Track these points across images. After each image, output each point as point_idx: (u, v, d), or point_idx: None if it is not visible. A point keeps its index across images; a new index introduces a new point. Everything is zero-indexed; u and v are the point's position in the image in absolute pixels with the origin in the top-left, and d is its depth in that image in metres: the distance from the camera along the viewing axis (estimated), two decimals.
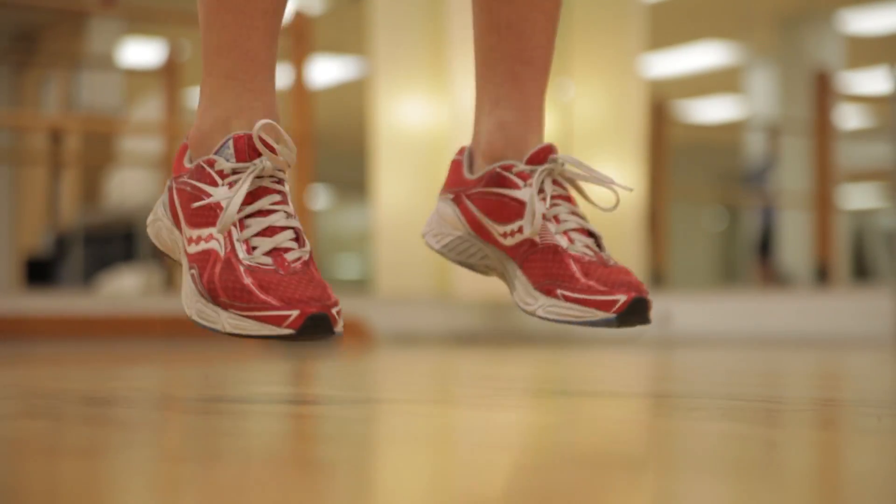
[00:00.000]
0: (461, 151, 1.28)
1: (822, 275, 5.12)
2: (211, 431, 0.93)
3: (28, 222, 7.17)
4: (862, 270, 8.09)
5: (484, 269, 1.27)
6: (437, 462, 0.75)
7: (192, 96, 5.82)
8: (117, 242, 5.70)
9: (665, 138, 5.52)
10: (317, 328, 1.07)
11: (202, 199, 1.14)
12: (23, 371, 2.03)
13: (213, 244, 1.13)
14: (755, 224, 7.48)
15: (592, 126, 5.49)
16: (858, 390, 1.50)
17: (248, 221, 1.12)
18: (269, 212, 1.12)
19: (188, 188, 1.16)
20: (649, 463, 0.75)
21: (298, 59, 4.02)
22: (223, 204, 1.12)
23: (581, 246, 1.20)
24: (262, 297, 1.08)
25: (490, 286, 4.87)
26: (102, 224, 5.84)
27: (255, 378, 1.71)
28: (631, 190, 1.22)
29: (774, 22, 7.83)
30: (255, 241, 1.11)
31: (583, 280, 1.17)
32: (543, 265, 1.19)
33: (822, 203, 5.20)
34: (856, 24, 7.85)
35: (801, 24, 7.61)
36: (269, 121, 1.14)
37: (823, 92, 5.29)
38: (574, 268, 1.18)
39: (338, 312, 1.08)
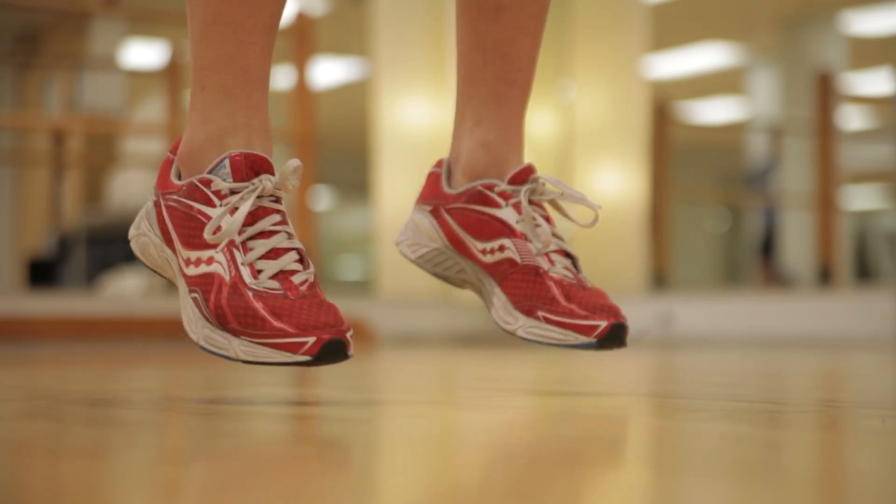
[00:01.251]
0: (439, 164, 1.30)
1: (825, 276, 5.12)
2: (213, 433, 0.94)
3: (30, 223, 7.17)
4: (864, 271, 8.09)
5: (460, 283, 1.29)
6: (439, 463, 0.75)
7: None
8: (120, 244, 5.69)
9: (667, 139, 5.52)
10: (333, 354, 1.06)
11: (199, 219, 1.11)
12: (25, 372, 2.03)
13: (215, 267, 1.10)
14: (757, 225, 7.48)
15: (595, 127, 5.49)
16: (861, 392, 1.50)
17: (251, 244, 1.10)
18: (271, 233, 1.10)
19: (181, 207, 1.13)
20: (651, 464, 0.75)
21: (301, 60, 4.02)
22: (223, 225, 1.10)
23: (561, 268, 1.21)
24: (277, 324, 1.06)
25: None
26: (105, 225, 5.85)
27: (257, 379, 1.71)
28: (599, 207, 1.23)
29: (777, 23, 7.82)
30: (260, 265, 1.09)
31: (564, 303, 1.19)
32: (524, 285, 1.21)
33: (825, 204, 5.20)
34: (858, 26, 7.85)
35: (804, 25, 7.60)
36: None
37: (826, 93, 5.29)
38: (555, 290, 1.20)
39: (351, 336, 1.07)
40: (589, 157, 5.48)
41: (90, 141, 6.25)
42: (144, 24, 7.25)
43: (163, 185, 1.16)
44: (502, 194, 1.24)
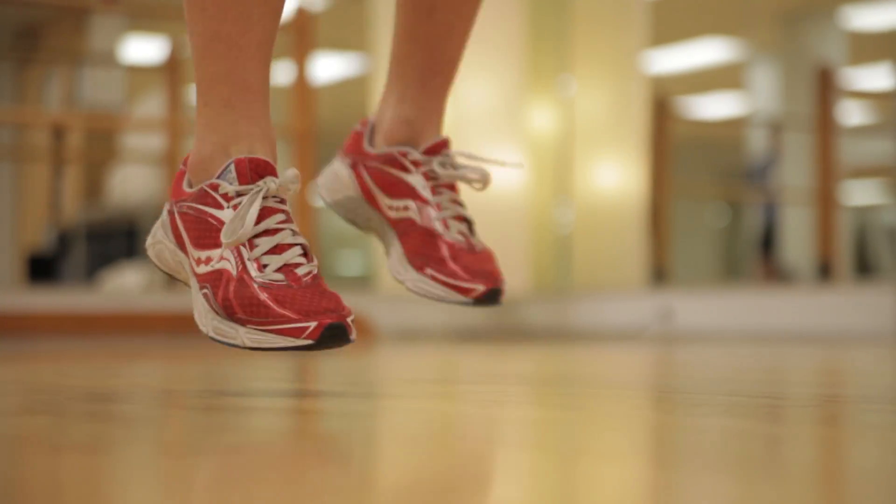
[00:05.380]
0: (363, 123, 1.41)
1: (825, 271, 5.12)
2: (213, 428, 0.94)
3: (30, 219, 7.17)
4: (864, 267, 8.09)
5: (365, 228, 1.42)
6: (440, 458, 0.75)
7: (194, 93, 5.80)
8: (119, 239, 5.70)
9: (667, 135, 5.51)
10: (334, 338, 1.13)
11: (208, 221, 1.18)
12: (25, 367, 2.03)
13: (223, 264, 1.17)
14: (757, 220, 7.48)
15: (595, 123, 5.48)
16: (861, 386, 1.50)
17: (257, 241, 1.17)
18: (275, 230, 1.17)
19: (192, 212, 1.20)
20: (652, 458, 0.75)
21: (300, 56, 4.02)
22: (236, 229, 1.16)
23: (455, 233, 1.33)
24: (280, 310, 1.13)
25: None
26: (104, 221, 5.85)
27: (257, 374, 1.71)
28: (522, 166, 1.39)
29: (777, 18, 7.82)
30: (266, 259, 1.16)
31: (451, 264, 1.31)
32: (419, 243, 1.34)
33: (825, 199, 5.20)
34: (858, 20, 7.85)
35: (804, 20, 7.60)
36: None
37: (826, 88, 5.28)
38: (445, 252, 1.32)
39: (352, 321, 1.14)
40: (589, 153, 5.48)
41: (90, 136, 6.25)
42: (144, 20, 7.24)
43: (176, 194, 1.24)
44: (414, 162, 1.35)
